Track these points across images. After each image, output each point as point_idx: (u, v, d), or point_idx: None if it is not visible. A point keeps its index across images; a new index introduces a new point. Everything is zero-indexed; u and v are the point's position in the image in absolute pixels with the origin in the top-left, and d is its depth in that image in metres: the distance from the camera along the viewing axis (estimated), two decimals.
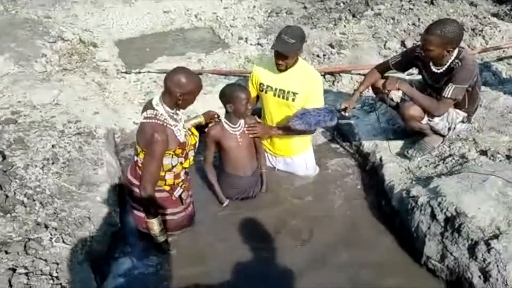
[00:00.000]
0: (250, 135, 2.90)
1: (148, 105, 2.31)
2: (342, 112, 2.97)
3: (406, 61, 3.01)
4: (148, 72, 4.60)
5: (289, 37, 2.63)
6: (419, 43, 2.93)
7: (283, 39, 2.64)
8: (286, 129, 2.94)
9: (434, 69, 2.82)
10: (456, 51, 2.72)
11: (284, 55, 2.68)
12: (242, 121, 2.89)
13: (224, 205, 2.95)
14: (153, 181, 2.33)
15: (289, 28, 2.71)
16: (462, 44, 4.28)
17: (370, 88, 3.23)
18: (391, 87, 2.88)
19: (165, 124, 2.26)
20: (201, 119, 2.93)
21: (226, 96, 2.78)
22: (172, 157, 2.34)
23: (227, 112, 2.83)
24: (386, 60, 3.15)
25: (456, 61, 2.71)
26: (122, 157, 3.49)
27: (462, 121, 3.01)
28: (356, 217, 2.92)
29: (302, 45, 2.76)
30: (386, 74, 3.10)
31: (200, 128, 2.87)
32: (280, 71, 2.81)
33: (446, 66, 2.76)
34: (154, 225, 2.42)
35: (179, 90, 2.21)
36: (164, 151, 2.27)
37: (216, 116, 2.95)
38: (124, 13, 6.34)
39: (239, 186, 2.97)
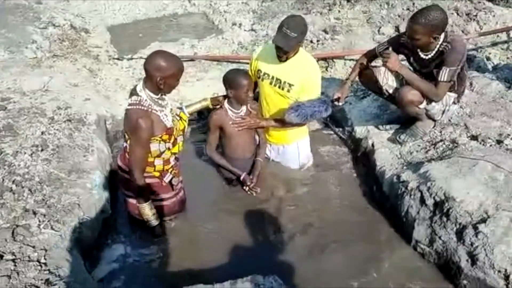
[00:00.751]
0: (238, 129, 2.87)
1: (133, 91, 2.29)
2: (336, 102, 2.95)
3: (392, 49, 2.98)
4: (141, 58, 4.55)
5: (291, 31, 2.55)
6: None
7: (284, 32, 2.56)
8: (278, 121, 2.93)
9: (422, 55, 2.80)
10: (442, 35, 2.70)
11: (285, 50, 2.63)
12: (244, 107, 2.88)
13: (242, 177, 2.97)
14: (141, 167, 2.32)
15: (291, 20, 2.61)
16: (456, 29, 4.28)
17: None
18: (393, 67, 2.79)
19: (149, 110, 2.23)
20: (208, 102, 2.93)
21: (228, 81, 2.77)
22: (160, 143, 2.32)
23: (229, 97, 2.83)
24: (373, 48, 3.12)
25: (445, 44, 2.70)
26: (113, 144, 3.48)
27: (454, 102, 3.00)
28: (348, 202, 2.93)
29: (304, 36, 2.71)
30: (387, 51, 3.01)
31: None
32: (281, 61, 2.77)
33: (434, 51, 2.75)
34: (146, 209, 2.42)
35: (159, 74, 2.16)
36: (150, 137, 2.25)
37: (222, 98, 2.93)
38: None
39: (238, 167, 2.99)
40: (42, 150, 2.84)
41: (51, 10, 5.59)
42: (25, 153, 2.77)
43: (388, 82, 3.02)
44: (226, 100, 2.87)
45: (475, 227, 2.27)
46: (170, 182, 2.53)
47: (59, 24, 5.18)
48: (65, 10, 5.76)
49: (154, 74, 2.17)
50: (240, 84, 2.71)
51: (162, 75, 2.17)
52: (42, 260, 2.05)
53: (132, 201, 2.54)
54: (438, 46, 2.72)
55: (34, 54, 4.35)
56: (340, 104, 2.99)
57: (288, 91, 2.81)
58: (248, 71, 3.00)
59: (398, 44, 2.94)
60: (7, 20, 5.00)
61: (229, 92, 2.78)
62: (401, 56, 2.98)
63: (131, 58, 4.57)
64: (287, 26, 2.56)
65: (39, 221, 2.26)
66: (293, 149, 3.15)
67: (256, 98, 3.12)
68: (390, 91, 3.00)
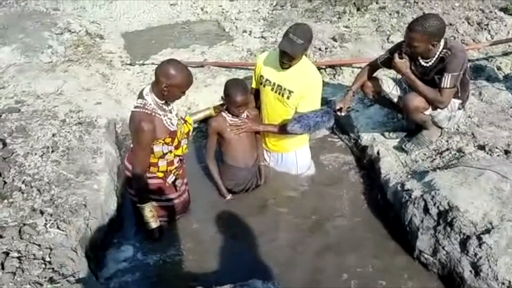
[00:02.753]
0: (234, 134, 2.88)
1: (140, 94, 2.34)
2: (338, 113, 2.96)
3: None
4: (152, 63, 4.64)
5: (298, 38, 2.56)
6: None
7: (291, 39, 2.57)
8: (275, 127, 2.96)
9: (423, 62, 2.80)
10: (442, 42, 2.71)
11: (290, 55, 2.64)
12: (244, 113, 2.90)
13: (227, 199, 2.99)
14: (142, 168, 2.38)
15: (298, 27, 2.63)
16: (467, 38, 4.26)
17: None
18: (401, 68, 2.79)
19: (153, 114, 2.28)
20: (212, 111, 2.99)
21: (226, 90, 2.79)
22: (163, 145, 2.38)
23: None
24: (374, 59, 3.13)
25: (445, 50, 2.70)
26: (123, 147, 3.54)
27: (459, 108, 2.97)
28: (352, 210, 2.93)
29: (309, 44, 2.72)
30: (399, 57, 2.90)
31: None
32: (283, 68, 2.79)
33: (435, 58, 2.74)
34: (145, 211, 2.47)
35: (165, 81, 2.21)
36: (151, 140, 2.30)
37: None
38: (131, 6, 6.38)
39: (239, 177, 2.99)
40: (52, 151, 2.92)
41: (67, 17, 5.72)
42: (35, 154, 2.85)
43: (391, 91, 3.03)
44: (225, 106, 2.89)
45: (479, 238, 2.25)
46: (173, 183, 2.57)
47: (74, 30, 5.31)
48: (81, 17, 5.89)
49: (161, 80, 2.23)
50: (233, 99, 2.73)
51: (168, 83, 2.22)
52: (47, 259, 2.09)
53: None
54: (438, 53, 2.72)
55: (49, 58, 4.46)
56: (342, 114, 2.99)
57: (288, 98, 2.83)
58: (249, 87, 3.01)
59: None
60: (25, 26, 5.14)
61: (224, 100, 2.83)
62: None
63: (143, 64, 4.65)
64: (293, 32, 2.58)
65: (46, 221, 2.32)
66: (292, 157, 3.16)
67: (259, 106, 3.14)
68: (394, 100, 3.01)
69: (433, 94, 2.76)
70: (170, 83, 2.22)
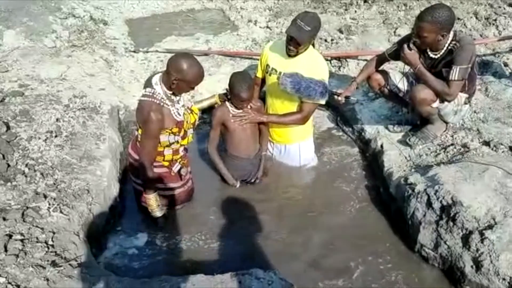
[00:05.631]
0: (237, 124, 2.85)
1: (148, 83, 2.32)
2: (335, 96, 2.94)
3: None
4: (156, 51, 4.61)
5: (305, 24, 2.55)
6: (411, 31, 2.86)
7: (299, 25, 2.56)
8: (280, 117, 2.95)
9: (431, 54, 2.78)
10: (451, 34, 2.69)
11: (297, 41, 2.62)
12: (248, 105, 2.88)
13: (237, 186, 2.98)
14: (150, 158, 2.37)
15: (306, 15, 2.63)
16: (474, 33, 4.22)
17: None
18: (409, 61, 2.78)
19: (161, 103, 2.27)
20: (216, 99, 2.96)
21: (230, 84, 2.76)
22: (169, 135, 2.37)
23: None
24: (382, 52, 3.10)
25: (454, 43, 2.69)
26: (126, 134, 3.53)
27: (465, 103, 2.95)
28: (354, 203, 2.92)
29: (317, 33, 2.70)
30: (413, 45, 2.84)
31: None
32: (290, 56, 2.76)
33: (443, 50, 2.73)
34: (151, 200, 2.47)
35: (176, 75, 2.20)
36: (160, 130, 2.29)
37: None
38: None
39: (242, 168, 2.98)
40: (56, 136, 2.91)
41: (72, 1, 5.69)
42: (39, 138, 2.84)
43: (398, 84, 3.00)
44: (229, 96, 2.86)
45: (481, 233, 2.25)
46: (178, 172, 2.57)
47: (79, 15, 5.28)
48: (86, 2, 5.85)
49: (172, 72, 2.21)
50: (237, 95, 2.71)
51: (178, 77, 2.21)
52: (50, 242, 2.10)
53: (140, 189, 2.58)
54: (447, 44, 2.70)
55: (53, 43, 4.44)
56: (339, 99, 2.97)
57: None
58: (254, 76, 2.99)
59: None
60: (29, 9, 5.12)
61: (228, 92, 2.81)
62: None
63: (147, 51, 4.62)
64: (301, 19, 2.57)
65: (49, 204, 2.32)
66: (295, 149, 3.15)
67: (262, 97, 3.12)
68: (400, 93, 2.98)
69: (441, 86, 2.74)
70: (180, 78, 2.21)
